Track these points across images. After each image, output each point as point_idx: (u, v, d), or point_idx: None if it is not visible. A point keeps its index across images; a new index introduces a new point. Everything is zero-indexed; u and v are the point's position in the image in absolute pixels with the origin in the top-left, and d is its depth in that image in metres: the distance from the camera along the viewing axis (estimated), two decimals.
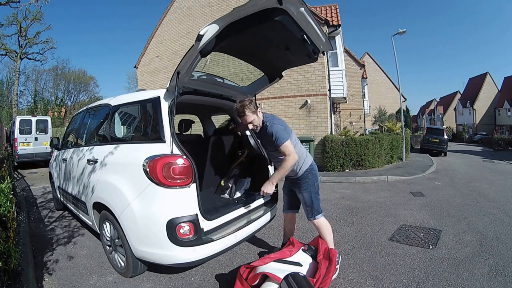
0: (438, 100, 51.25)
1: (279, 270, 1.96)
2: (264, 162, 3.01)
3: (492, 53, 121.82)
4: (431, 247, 2.92)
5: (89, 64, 62.28)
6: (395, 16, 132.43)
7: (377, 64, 30.09)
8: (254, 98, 2.29)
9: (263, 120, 2.30)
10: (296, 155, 2.20)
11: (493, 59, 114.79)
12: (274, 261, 2.12)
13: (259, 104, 2.37)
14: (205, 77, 2.64)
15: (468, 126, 35.84)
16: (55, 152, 4.39)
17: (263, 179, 3.00)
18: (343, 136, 8.36)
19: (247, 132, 3.16)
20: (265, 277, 1.95)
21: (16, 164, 9.49)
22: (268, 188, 2.26)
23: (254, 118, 2.25)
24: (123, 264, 2.37)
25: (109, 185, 2.37)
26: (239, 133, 3.25)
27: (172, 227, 1.94)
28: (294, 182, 2.47)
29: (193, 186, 2.05)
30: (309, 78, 8.36)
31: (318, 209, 2.38)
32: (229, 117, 3.35)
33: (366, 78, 20.34)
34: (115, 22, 61.90)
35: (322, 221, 2.39)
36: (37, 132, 10.00)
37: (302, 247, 2.31)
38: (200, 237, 2.03)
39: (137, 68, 12.95)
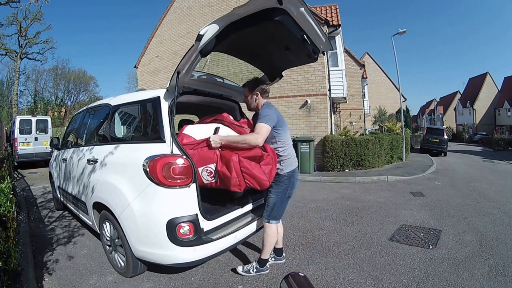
0: (438, 100, 51.24)
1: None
2: None
3: (492, 53, 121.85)
4: (431, 247, 2.92)
5: (89, 64, 62.45)
6: (395, 16, 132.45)
7: (377, 64, 30.08)
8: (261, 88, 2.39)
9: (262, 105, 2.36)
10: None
11: (493, 59, 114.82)
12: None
13: (256, 95, 2.39)
14: (205, 77, 2.64)
15: (468, 126, 35.82)
16: (55, 152, 4.39)
17: None
18: (343, 136, 8.36)
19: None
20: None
21: (16, 164, 9.49)
22: (215, 138, 2.13)
23: (248, 97, 2.41)
24: (123, 264, 2.37)
25: (109, 185, 2.37)
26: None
27: (172, 227, 1.94)
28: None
29: (193, 186, 2.05)
30: (309, 78, 8.37)
31: (276, 215, 2.28)
32: None
33: (366, 78, 20.35)
34: (115, 22, 61.96)
35: (272, 228, 2.28)
36: (37, 132, 10.00)
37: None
38: (200, 237, 2.02)
39: (137, 68, 12.95)
